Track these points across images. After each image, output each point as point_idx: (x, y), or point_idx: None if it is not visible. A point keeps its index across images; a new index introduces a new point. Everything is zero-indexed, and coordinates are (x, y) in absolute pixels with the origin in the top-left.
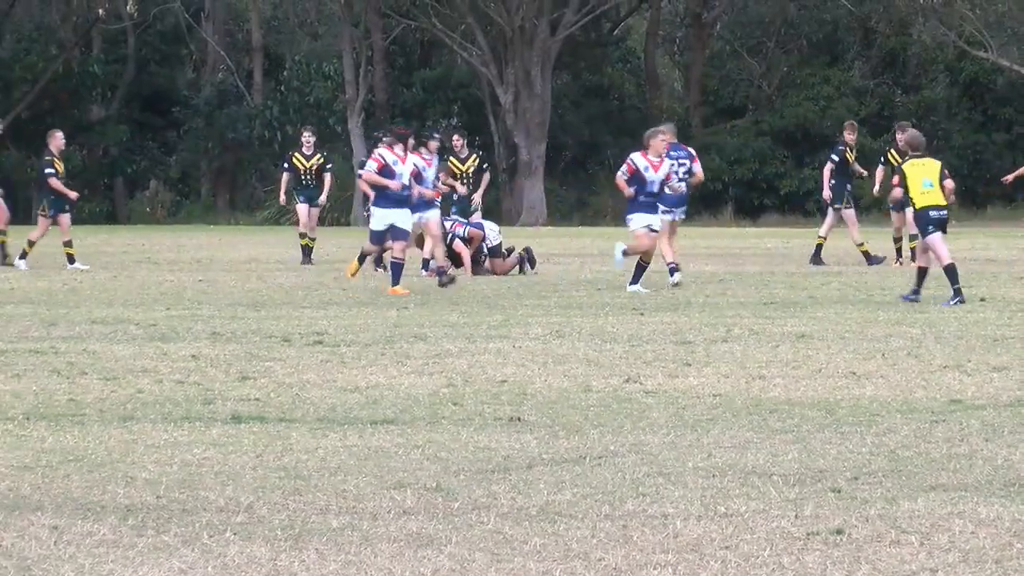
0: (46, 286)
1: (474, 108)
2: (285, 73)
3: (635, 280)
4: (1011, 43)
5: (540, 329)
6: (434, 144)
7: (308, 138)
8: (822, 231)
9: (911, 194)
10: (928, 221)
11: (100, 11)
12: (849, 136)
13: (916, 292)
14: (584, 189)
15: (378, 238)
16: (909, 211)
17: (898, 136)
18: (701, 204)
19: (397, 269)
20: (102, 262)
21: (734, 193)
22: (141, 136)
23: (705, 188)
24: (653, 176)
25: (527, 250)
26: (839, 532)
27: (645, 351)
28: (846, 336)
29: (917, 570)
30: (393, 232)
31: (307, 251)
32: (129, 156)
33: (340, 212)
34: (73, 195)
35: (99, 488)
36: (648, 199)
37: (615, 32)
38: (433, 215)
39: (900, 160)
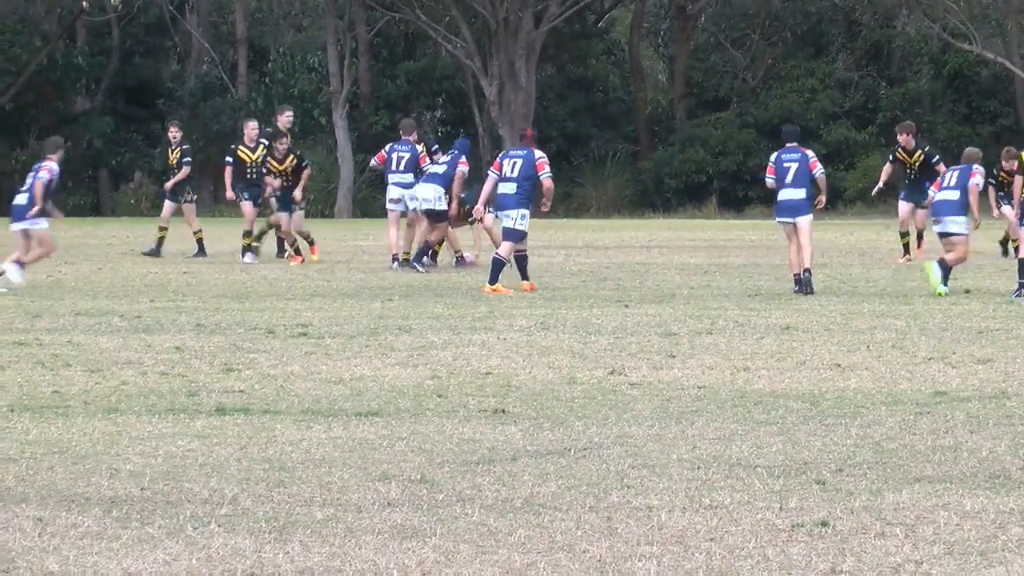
0: (30, 278)
1: (459, 100)
2: (269, 65)
3: None
4: (995, 35)
5: (525, 321)
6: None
7: (251, 131)
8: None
9: None
10: None
11: (84, 3)
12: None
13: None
14: (569, 181)
15: (520, 237)
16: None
17: (899, 137)
18: (685, 196)
19: (498, 266)
20: (86, 254)
21: (718, 185)
22: (125, 128)
23: (689, 180)
24: None
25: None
26: (824, 524)
27: (630, 343)
28: (831, 328)
29: (902, 562)
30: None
31: (247, 247)
32: (114, 148)
33: (324, 204)
34: (267, 185)
35: (83, 480)
36: None
37: (599, 24)
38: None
39: (908, 158)
